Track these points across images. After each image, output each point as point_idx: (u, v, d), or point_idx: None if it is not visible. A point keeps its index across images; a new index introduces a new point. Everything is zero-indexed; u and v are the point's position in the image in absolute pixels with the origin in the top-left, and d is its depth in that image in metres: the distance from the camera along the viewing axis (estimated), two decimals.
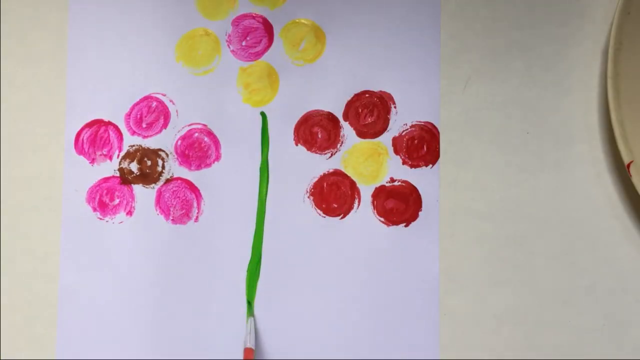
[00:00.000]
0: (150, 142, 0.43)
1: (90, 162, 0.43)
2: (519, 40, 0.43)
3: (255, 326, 0.41)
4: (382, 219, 0.43)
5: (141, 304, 0.42)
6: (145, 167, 0.43)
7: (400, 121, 0.43)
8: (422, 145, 0.43)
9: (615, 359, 0.42)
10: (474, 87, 0.43)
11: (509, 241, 0.43)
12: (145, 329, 0.42)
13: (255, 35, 0.44)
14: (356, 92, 0.43)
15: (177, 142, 0.43)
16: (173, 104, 0.43)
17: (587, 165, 0.43)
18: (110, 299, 0.42)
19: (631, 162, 0.40)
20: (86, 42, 0.43)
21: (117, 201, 0.43)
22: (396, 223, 0.43)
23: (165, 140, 0.43)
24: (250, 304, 0.41)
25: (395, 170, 0.43)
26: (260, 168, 0.43)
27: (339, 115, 0.43)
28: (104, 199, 0.43)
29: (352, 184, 0.43)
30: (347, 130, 0.43)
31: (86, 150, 0.43)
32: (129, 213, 0.43)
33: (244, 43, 0.44)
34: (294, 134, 0.43)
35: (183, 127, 0.43)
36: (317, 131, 0.43)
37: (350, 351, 0.42)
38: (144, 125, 0.43)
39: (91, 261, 0.43)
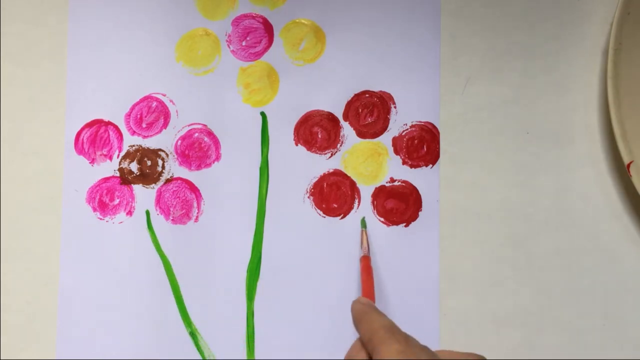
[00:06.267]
0: (150, 142, 0.43)
1: (90, 162, 0.43)
2: (519, 40, 0.43)
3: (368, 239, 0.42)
4: (382, 219, 0.43)
5: (141, 304, 0.42)
6: (145, 167, 0.43)
7: (400, 121, 0.43)
8: (422, 145, 0.43)
9: (615, 359, 0.42)
10: (474, 87, 0.43)
11: (509, 241, 0.43)
12: (145, 329, 0.42)
13: (255, 35, 0.44)
14: (356, 92, 0.43)
15: (177, 142, 0.43)
16: (173, 104, 0.43)
17: (587, 165, 0.43)
18: (110, 299, 0.42)
19: (631, 162, 0.40)
20: (86, 42, 0.43)
21: (117, 201, 0.43)
22: (396, 223, 0.43)
23: (165, 140, 0.43)
24: (364, 220, 0.42)
25: (395, 170, 0.43)
26: (260, 168, 0.43)
27: (339, 115, 0.43)
28: (104, 199, 0.43)
29: (352, 184, 0.43)
30: (347, 130, 0.43)
31: (86, 150, 0.43)
32: (129, 213, 0.43)
33: (244, 43, 0.44)
34: (294, 134, 0.43)
35: (183, 127, 0.43)
36: (317, 131, 0.43)
37: None
38: (144, 125, 0.43)
39: (91, 261, 0.43)
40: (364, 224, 0.42)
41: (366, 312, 0.32)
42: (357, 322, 0.32)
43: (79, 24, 0.44)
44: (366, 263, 0.40)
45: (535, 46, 0.43)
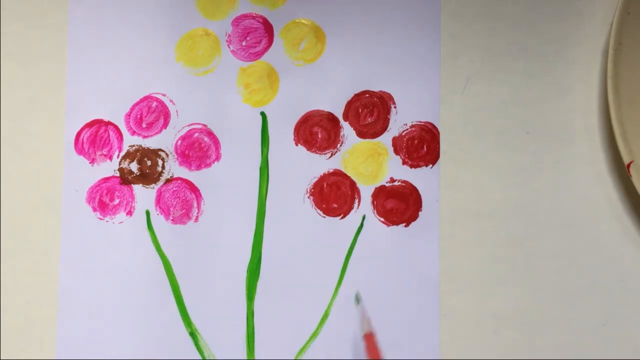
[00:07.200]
0: (150, 142, 0.43)
1: (90, 162, 0.43)
2: (519, 40, 0.43)
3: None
4: (382, 219, 0.43)
5: (141, 304, 0.42)
6: (145, 167, 0.43)
7: (400, 121, 0.43)
8: (422, 145, 0.43)
9: (615, 359, 0.42)
10: (474, 87, 0.43)
11: (509, 241, 0.43)
12: (145, 329, 0.42)
13: (255, 35, 0.44)
14: (356, 92, 0.43)
15: (177, 142, 0.43)
16: (173, 104, 0.43)
17: (587, 165, 0.43)
18: (110, 299, 0.42)
19: (631, 162, 0.40)
20: (86, 42, 0.43)
21: (117, 201, 0.43)
22: (396, 223, 0.43)
23: (165, 140, 0.43)
24: (357, 296, 0.41)
25: (395, 170, 0.43)
26: (260, 168, 0.43)
27: (339, 115, 0.43)
28: (104, 199, 0.43)
29: (352, 184, 0.43)
30: (347, 130, 0.43)
31: (86, 150, 0.43)
32: (129, 213, 0.43)
33: (244, 43, 0.44)
34: (294, 134, 0.43)
35: (183, 127, 0.43)
36: (317, 131, 0.43)
37: (350, 351, 0.42)
38: (144, 125, 0.43)
39: (91, 261, 0.43)
40: (357, 299, 0.42)
41: None
42: None
43: (79, 24, 0.44)
44: (371, 341, 0.38)
45: (535, 46, 0.43)
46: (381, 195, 0.43)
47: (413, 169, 0.43)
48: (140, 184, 0.43)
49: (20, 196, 0.43)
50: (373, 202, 0.43)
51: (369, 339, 0.39)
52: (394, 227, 0.43)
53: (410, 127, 0.43)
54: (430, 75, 0.43)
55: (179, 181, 0.43)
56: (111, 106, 0.43)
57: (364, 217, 0.43)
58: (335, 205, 0.43)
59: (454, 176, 0.43)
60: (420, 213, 0.43)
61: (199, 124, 0.43)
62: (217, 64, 0.44)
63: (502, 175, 0.43)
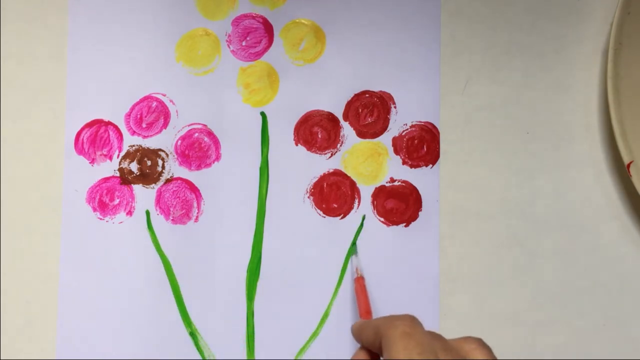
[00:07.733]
0: (150, 142, 0.43)
1: (90, 162, 0.43)
2: (519, 40, 0.43)
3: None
4: (382, 219, 0.43)
5: (141, 304, 0.42)
6: (145, 167, 0.43)
7: (400, 121, 0.43)
8: (422, 145, 0.43)
9: (615, 359, 0.42)
10: (474, 87, 0.43)
11: (509, 241, 0.43)
12: (145, 329, 0.42)
13: (255, 35, 0.44)
14: (356, 92, 0.43)
15: (177, 142, 0.43)
16: (173, 104, 0.43)
17: (587, 165, 0.43)
18: (110, 299, 0.42)
19: (631, 162, 0.40)
20: (86, 42, 0.43)
21: (117, 201, 0.43)
22: (396, 223, 0.43)
23: (165, 140, 0.43)
24: (353, 247, 0.43)
25: (395, 170, 0.43)
26: (260, 168, 0.43)
27: (339, 115, 0.43)
28: (104, 199, 0.43)
29: (352, 184, 0.43)
30: (347, 130, 0.43)
31: (86, 150, 0.43)
32: (129, 213, 0.43)
33: (244, 43, 0.44)
34: (294, 134, 0.43)
35: (183, 127, 0.43)
36: (317, 131, 0.43)
37: (350, 352, 0.42)
38: (144, 125, 0.43)
39: (91, 261, 0.43)
40: (353, 250, 0.42)
41: (368, 319, 0.33)
42: (361, 330, 0.31)
43: (79, 23, 0.44)
44: (361, 284, 0.40)
45: (535, 46, 0.43)
46: (381, 195, 0.43)
47: (413, 169, 0.43)
48: (140, 184, 0.43)
49: (20, 196, 0.43)
50: (373, 202, 0.43)
51: (359, 281, 0.40)
52: (394, 227, 0.43)
53: (410, 127, 0.43)
54: (430, 75, 0.43)
55: (179, 181, 0.43)
56: (111, 106, 0.43)
57: (364, 217, 0.43)
58: (335, 205, 0.43)
59: (454, 176, 0.43)
60: (420, 213, 0.43)
61: (199, 124, 0.43)
62: (217, 64, 0.44)
63: (502, 175, 0.43)
